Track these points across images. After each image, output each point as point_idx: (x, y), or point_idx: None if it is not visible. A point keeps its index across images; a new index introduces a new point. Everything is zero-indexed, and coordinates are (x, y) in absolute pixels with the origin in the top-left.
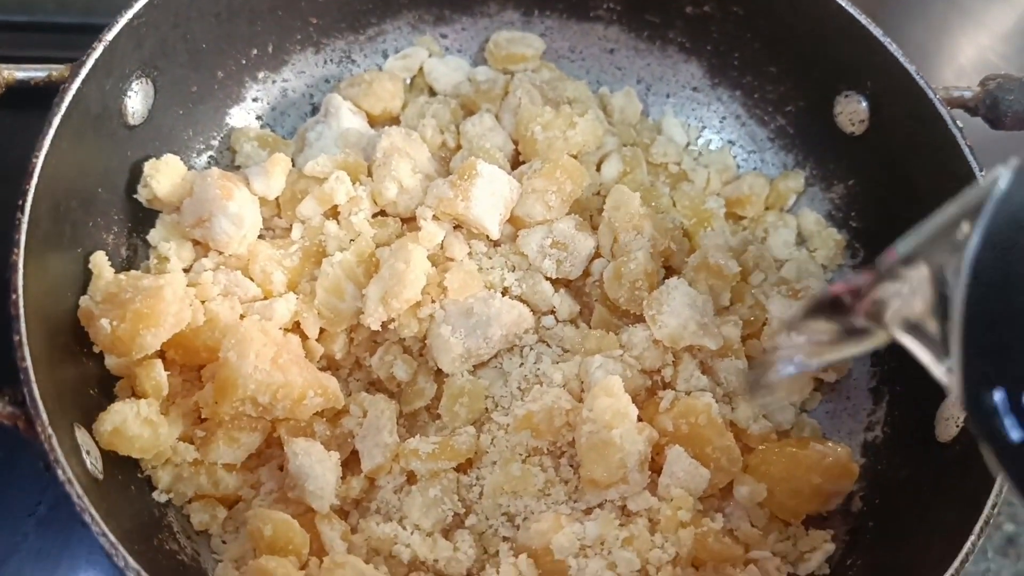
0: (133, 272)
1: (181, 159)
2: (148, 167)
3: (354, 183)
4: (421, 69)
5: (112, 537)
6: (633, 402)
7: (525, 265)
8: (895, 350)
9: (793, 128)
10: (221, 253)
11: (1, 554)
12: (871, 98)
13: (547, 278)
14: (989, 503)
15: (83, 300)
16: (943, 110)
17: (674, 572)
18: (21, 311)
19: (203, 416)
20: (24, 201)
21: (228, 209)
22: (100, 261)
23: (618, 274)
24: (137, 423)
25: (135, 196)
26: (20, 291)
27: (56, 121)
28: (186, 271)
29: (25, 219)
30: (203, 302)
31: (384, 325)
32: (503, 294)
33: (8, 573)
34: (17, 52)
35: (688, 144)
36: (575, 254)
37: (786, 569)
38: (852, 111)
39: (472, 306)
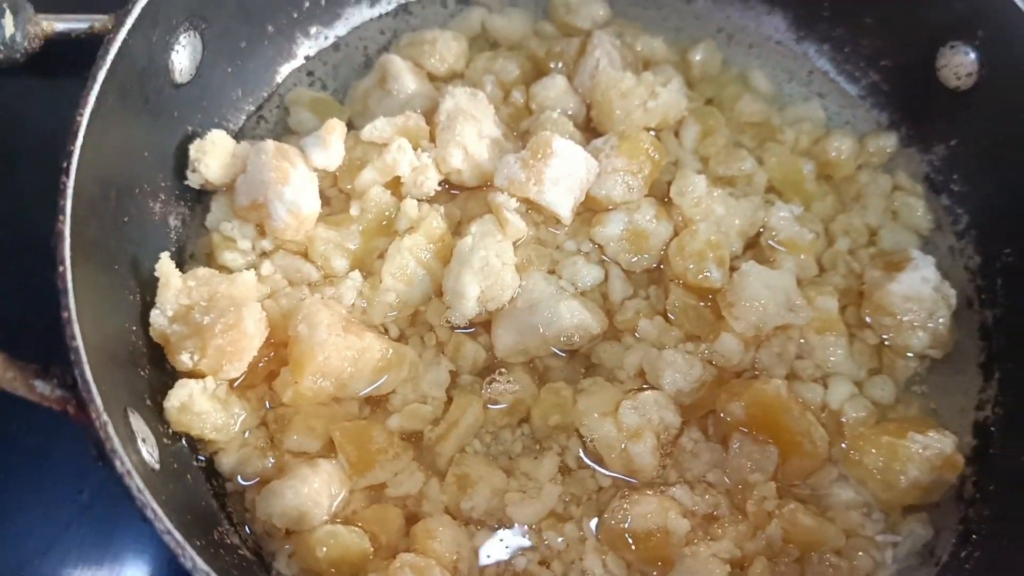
0: (201, 273)
1: (230, 119)
2: (194, 150)
3: (415, 148)
4: (484, 26)
5: (178, 535)
6: (700, 393)
7: (598, 256)
8: (1003, 324)
9: (888, 85)
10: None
11: (44, 543)
12: (981, 48)
13: (624, 269)
14: None
15: (154, 316)
16: None
17: (772, 567)
18: (69, 284)
19: (281, 401)
20: (69, 164)
21: (284, 196)
22: (167, 268)
23: (681, 248)
24: (204, 399)
25: (186, 183)
26: (68, 263)
27: (101, 75)
28: None
29: (71, 183)
30: (271, 294)
31: None
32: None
33: (52, 562)
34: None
35: (774, 97)
36: (654, 243)
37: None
38: (958, 63)
39: (540, 303)
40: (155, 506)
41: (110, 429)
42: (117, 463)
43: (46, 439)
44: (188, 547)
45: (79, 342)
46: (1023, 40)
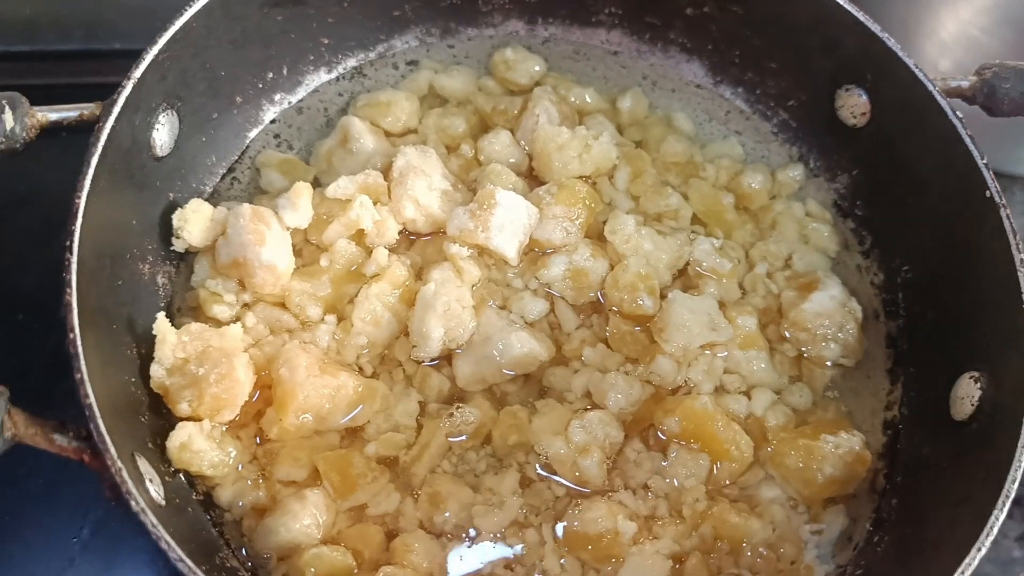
0: (193, 328)
1: (206, 183)
2: (176, 219)
3: (375, 203)
4: (432, 84)
5: (190, 562)
6: (639, 410)
7: (544, 291)
8: (905, 333)
9: (796, 122)
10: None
11: None
12: (871, 91)
13: (570, 304)
14: (1009, 478)
15: (154, 370)
16: (942, 101)
17: (707, 560)
18: (80, 350)
19: (269, 437)
20: (71, 242)
21: (262, 256)
22: (164, 327)
23: (615, 281)
24: (201, 438)
25: (172, 248)
26: (77, 330)
27: (94, 160)
28: None
29: (74, 259)
30: (255, 343)
31: None
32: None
33: None
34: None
35: (695, 136)
36: (593, 279)
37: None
38: (853, 104)
39: (493, 335)
40: (167, 538)
41: (124, 474)
42: (132, 503)
43: (48, 482)
44: (198, 571)
45: (92, 399)
46: (904, 82)
